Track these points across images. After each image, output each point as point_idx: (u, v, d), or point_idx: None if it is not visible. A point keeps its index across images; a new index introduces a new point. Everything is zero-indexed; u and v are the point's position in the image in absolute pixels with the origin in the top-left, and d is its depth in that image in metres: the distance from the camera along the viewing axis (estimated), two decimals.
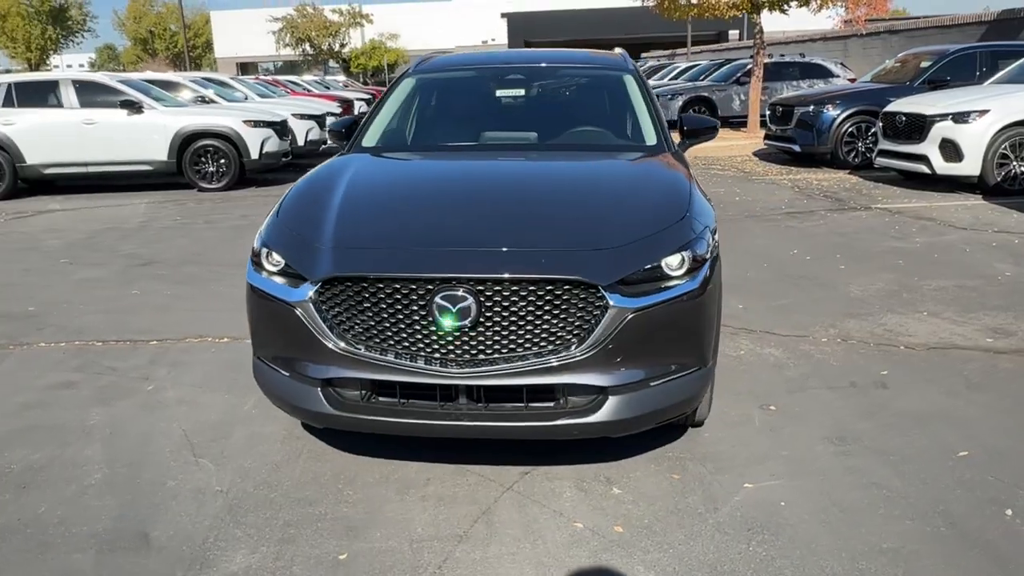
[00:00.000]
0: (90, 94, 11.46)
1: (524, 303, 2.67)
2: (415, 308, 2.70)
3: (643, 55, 41.77)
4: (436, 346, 2.73)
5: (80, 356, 4.79)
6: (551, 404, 2.81)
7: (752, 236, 7.78)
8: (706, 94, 19.59)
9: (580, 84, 4.63)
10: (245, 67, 61.44)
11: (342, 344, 2.77)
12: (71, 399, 4.12)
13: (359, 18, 56.46)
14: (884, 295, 5.60)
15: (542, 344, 2.70)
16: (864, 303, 5.43)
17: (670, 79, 24.12)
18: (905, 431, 3.51)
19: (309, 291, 2.78)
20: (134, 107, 11.36)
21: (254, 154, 11.68)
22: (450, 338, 2.70)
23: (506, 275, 2.66)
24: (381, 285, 2.73)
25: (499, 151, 4.10)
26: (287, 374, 2.93)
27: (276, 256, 2.94)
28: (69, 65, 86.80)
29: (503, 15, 56.27)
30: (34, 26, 58.89)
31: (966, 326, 4.88)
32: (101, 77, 11.99)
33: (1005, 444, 3.35)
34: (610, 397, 2.77)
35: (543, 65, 4.75)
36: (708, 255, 2.97)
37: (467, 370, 2.72)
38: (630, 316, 2.69)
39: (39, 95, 11.45)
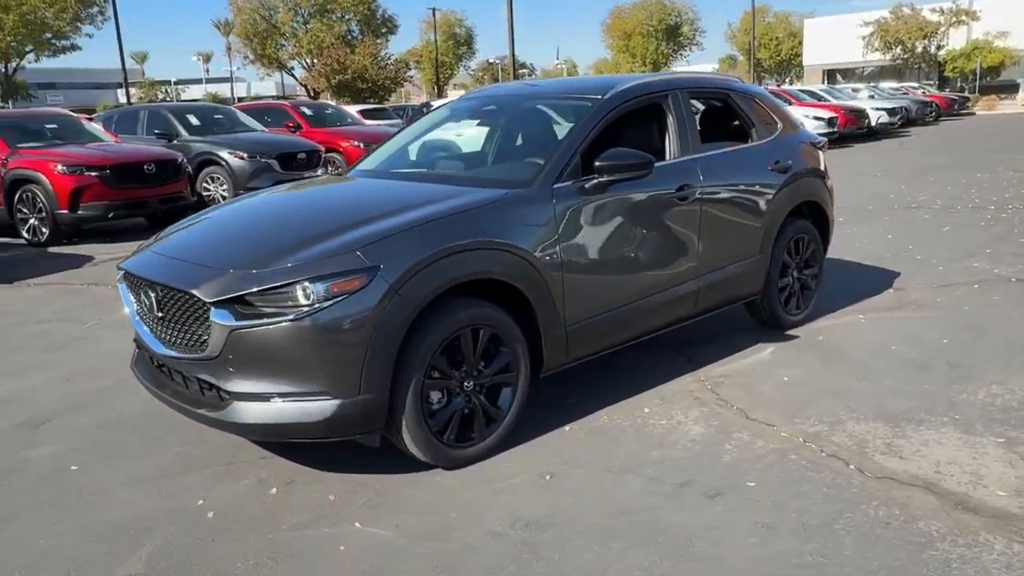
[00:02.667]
0: None
1: (180, 304, 3.33)
2: (139, 296, 3.60)
3: None
4: (152, 327, 3.53)
5: None
6: (199, 392, 3.33)
7: None
8: None
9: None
10: (832, 74, 60.79)
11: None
12: None
13: (963, 16, 50.95)
14: None
15: (190, 341, 3.32)
16: None
17: None
18: None
19: (119, 275, 3.84)
20: None
21: None
22: (154, 322, 3.49)
23: (163, 280, 3.37)
24: (129, 277, 3.67)
25: (391, 178, 4.44)
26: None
27: None
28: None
29: None
30: (651, 42, 67.82)
31: None
32: None
33: None
34: (234, 401, 3.16)
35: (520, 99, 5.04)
36: (349, 289, 3.03)
37: (162, 349, 3.45)
38: (231, 332, 3.04)
39: None
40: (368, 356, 3.08)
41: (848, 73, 60.67)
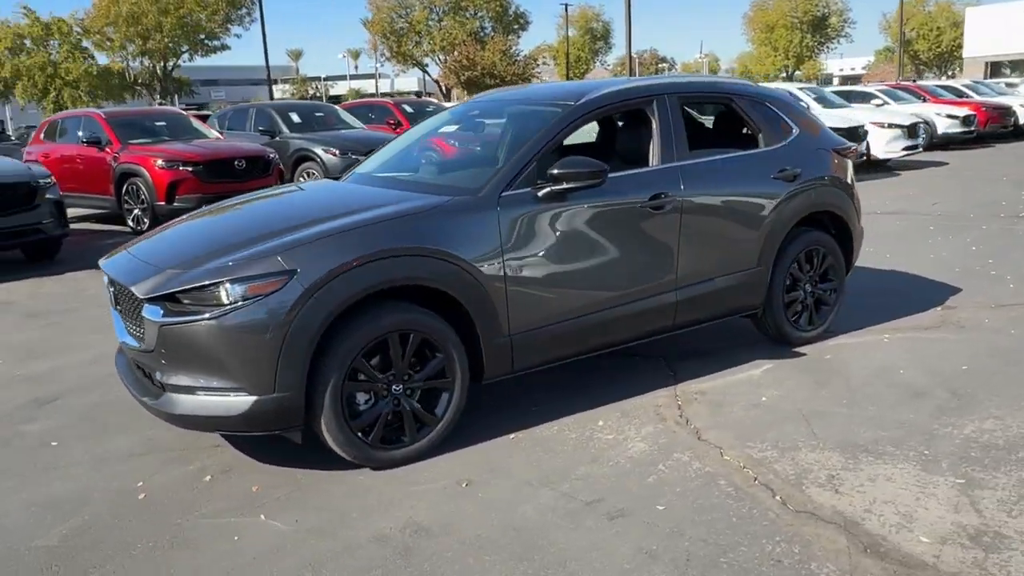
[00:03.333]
0: None
1: (128, 299, 3.55)
2: (109, 290, 3.80)
3: None
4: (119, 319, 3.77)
5: None
6: (149, 381, 3.57)
7: None
8: None
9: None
10: (996, 67, 56.02)
11: None
12: None
13: None
14: None
15: (137, 335, 3.50)
16: None
17: None
18: None
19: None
20: None
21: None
22: (118, 315, 3.74)
23: (116, 277, 3.61)
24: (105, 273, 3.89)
25: (370, 183, 4.43)
26: None
27: None
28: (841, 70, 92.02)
29: None
30: (795, 34, 64.90)
31: None
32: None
33: None
34: (166, 392, 3.38)
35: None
36: (265, 291, 3.17)
37: (125, 338, 3.67)
38: (160, 327, 3.25)
39: None
40: (283, 356, 3.21)
41: (1019, 65, 55.63)
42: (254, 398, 3.23)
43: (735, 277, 4.51)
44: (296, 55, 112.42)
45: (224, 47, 43.70)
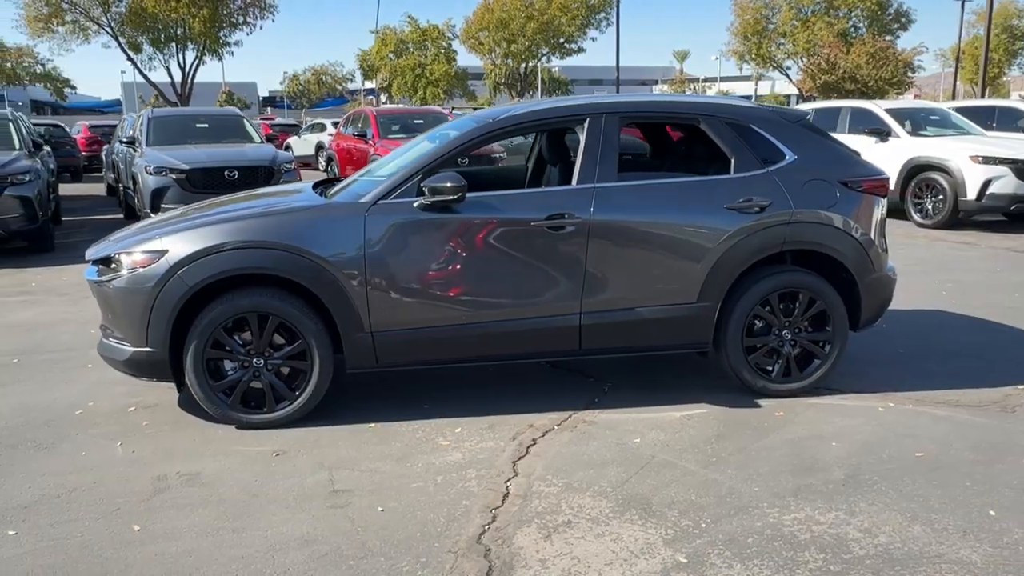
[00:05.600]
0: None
1: None
2: None
3: None
4: None
5: None
6: None
7: None
8: None
9: None
10: None
11: None
12: None
13: None
14: None
15: None
16: None
17: None
18: None
19: None
20: (882, 135, 11.32)
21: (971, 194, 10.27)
22: None
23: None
24: None
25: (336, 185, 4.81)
26: None
27: None
28: None
29: None
30: None
31: None
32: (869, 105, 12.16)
33: None
34: (101, 335, 4.26)
35: None
36: (143, 264, 3.90)
37: None
38: (92, 283, 4.17)
39: None
40: (152, 317, 3.95)
41: None
42: (132, 349, 4.02)
43: (666, 309, 4.23)
44: (682, 56, 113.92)
45: (580, 50, 46.44)
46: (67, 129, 22.13)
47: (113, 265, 4.07)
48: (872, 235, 4.43)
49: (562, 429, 4.07)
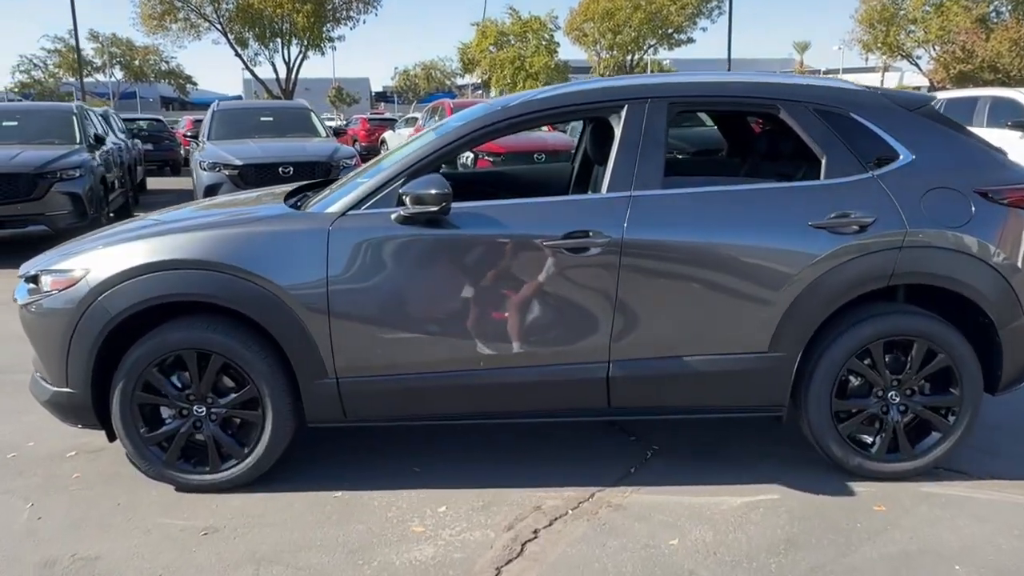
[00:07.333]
0: None
1: None
2: None
3: None
4: None
5: None
6: None
7: None
8: None
9: None
10: None
11: None
12: None
13: None
14: None
15: None
16: None
17: None
18: None
19: None
20: None
21: None
22: None
23: None
24: None
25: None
26: None
27: None
28: None
29: None
30: None
31: None
32: None
33: None
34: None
35: None
36: (60, 287, 3.17)
37: None
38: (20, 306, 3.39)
39: None
40: (70, 352, 3.19)
41: None
42: (53, 388, 3.29)
43: (726, 360, 3.17)
44: (802, 47, 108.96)
45: (690, 40, 44.37)
46: (166, 123, 22.45)
47: (37, 285, 3.35)
48: (1020, 264, 3.21)
49: (577, 516, 3.07)
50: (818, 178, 3.23)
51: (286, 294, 3.08)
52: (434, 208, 2.99)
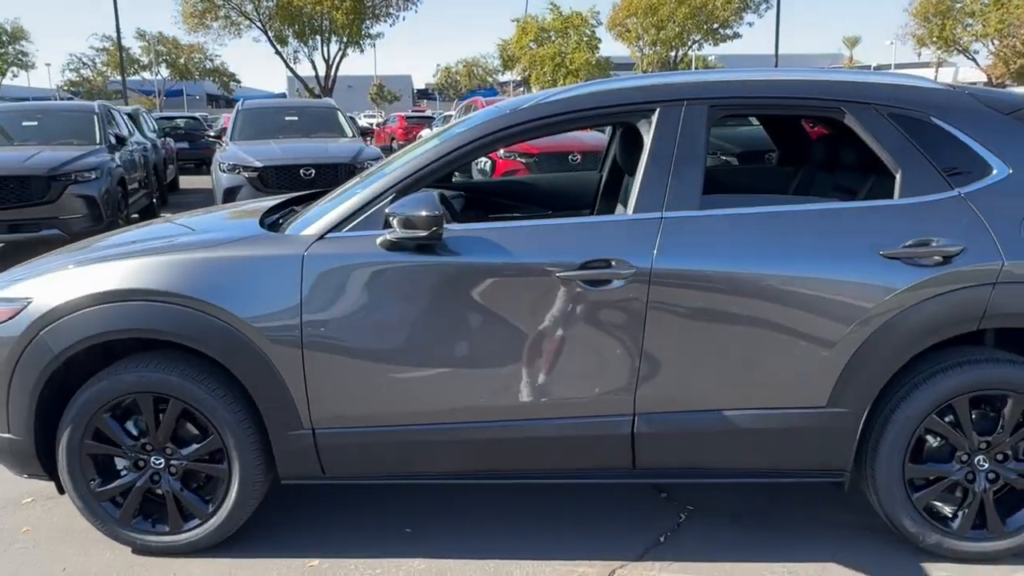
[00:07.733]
0: None
1: None
2: None
3: None
4: None
5: None
6: None
7: None
8: None
9: None
10: None
11: None
12: None
13: None
14: None
15: None
16: None
17: None
18: None
19: None
20: None
21: None
22: None
23: None
24: None
25: None
26: None
27: None
28: None
29: None
30: None
31: None
32: None
33: None
34: None
35: None
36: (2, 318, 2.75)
37: None
38: None
39: None
40: (10, 392, 2.77)
41: None
42: None
43: (775, 416, 2.64)
44: (852, 42, 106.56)
45: (736, 35, 43.12)
46: (203, 121, 22.38)
47: None
48: None
49: None
50: (891, 196, 2.67)
51: (251, 329, 2.62)
52: (423, 233, 2.51)
